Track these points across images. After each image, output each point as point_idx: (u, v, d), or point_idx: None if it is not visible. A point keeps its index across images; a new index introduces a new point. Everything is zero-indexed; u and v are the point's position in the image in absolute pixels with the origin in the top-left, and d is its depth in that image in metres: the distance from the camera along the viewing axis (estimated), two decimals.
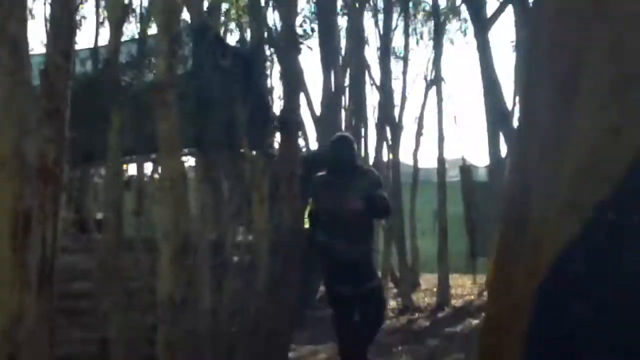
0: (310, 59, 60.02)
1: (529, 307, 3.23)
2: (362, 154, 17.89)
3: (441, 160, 15.66)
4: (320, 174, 7.19)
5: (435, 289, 15.31)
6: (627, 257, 3.06)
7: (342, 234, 6.92)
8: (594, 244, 3.13)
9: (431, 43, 19.21)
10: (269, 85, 8.31)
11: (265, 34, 8.30)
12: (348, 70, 18.29)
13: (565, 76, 3.38)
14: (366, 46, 18.89)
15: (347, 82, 18.30)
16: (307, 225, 7.42)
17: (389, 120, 17.40)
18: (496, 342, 3.45)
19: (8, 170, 3.97)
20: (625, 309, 3.02)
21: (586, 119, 3.25)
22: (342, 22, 19.05)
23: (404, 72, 18.73)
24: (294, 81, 8.09)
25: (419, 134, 19.13)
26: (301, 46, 8.13)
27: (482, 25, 14.79)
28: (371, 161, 17.74)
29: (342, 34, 18.94)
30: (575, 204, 3.16)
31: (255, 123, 7.84)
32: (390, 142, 17.27)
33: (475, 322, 11.64)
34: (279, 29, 8.40)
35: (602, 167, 3.16)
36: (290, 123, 7.97)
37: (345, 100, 18.32)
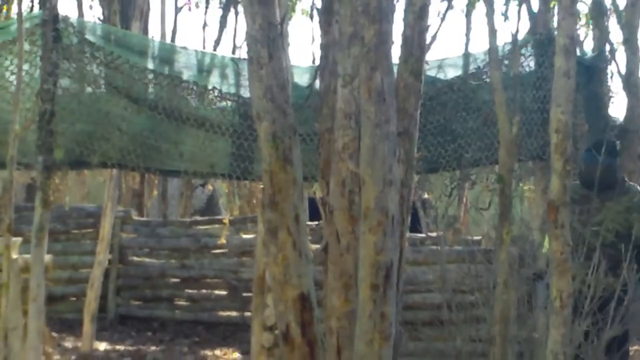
0: None
1: None
2: None
3: None
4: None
5: None
6: None
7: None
8: None
9: None
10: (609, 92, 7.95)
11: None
12: None
13: None
14: None
15: None
16: None
17: None
18: None
19: (370, 222, 3.98)
20: None
21: None
22: None
23: None
24: (635, 89, 7.83)
25: None
26: None
27: None
28: None
29: None
30: None
31: (593, 131, 7.55)
32: None
33: None
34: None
35: None
36: (629, 132, 7.79)
37: None
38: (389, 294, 4.00)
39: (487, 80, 7.16)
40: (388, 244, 3.99)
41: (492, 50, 5.13)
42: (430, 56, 12.18)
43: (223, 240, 10.30)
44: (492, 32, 5.10)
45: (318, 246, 5.19)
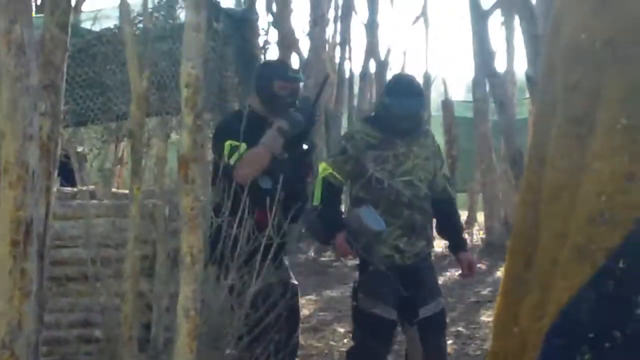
0: None
1: (535, 346, 3.26)
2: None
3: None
4: (357, 128, 5.45)
5: None
6: (636, 306, 3.07)
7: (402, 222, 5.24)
8: (604, 291, 3.13)
9: None
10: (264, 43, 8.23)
11: None
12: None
13: (580, 116, 3.35)
14: None
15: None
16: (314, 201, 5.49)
17: (375, 55, 17.78)
18: None
19: (10, 177, 3.92)
20: (632, 356, 3.06)
21: (600, 161, 3.22)
22: None
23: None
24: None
25: (403, 69, 19.51)
26: None
27: None
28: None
29: None
30: (586, 249, 3.15)
31: (244, 82, 7.75)
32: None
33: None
34: None
35: (614, 213, 3.14)
36: None
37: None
38: (30, 250, 3.97)
39: (138, 32, 7.10)
40: (28, 199, 3.95)
41: (123, 3, 4.91)
42: (88, 6, 11.89)
43: None
44: None
45: None
